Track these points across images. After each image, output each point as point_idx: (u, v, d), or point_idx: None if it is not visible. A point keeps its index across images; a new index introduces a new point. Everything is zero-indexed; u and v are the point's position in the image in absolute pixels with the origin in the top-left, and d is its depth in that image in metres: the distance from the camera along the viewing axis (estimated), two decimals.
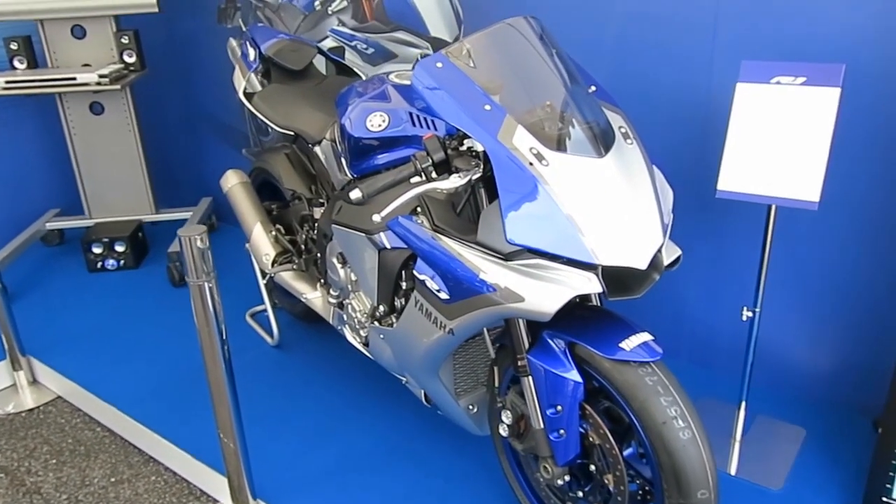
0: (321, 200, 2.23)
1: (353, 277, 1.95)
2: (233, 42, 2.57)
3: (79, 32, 3.17)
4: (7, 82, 2.91)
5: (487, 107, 1.39)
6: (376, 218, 1.45)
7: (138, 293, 3.10)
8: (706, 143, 2.14)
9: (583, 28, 2.25)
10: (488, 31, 1.47)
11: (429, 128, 1.64)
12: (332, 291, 2.09)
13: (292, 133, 2.24)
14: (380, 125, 1.71)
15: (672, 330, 2.42)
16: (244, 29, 3.24)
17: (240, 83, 2.44)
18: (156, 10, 3.05)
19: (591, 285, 1.32)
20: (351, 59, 2.87)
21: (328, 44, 2.93)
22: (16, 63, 3.13)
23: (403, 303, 1.75)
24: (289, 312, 2.80)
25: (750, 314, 1.91)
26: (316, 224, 2.23)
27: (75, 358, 2.61)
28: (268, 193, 2.61)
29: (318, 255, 2.17)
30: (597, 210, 1.32)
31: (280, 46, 2.38)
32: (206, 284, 1.60)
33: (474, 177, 1.41)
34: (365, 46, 2.82)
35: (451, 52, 1.44)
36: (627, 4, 2.14)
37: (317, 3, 2.90)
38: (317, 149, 2.14)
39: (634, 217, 1.35)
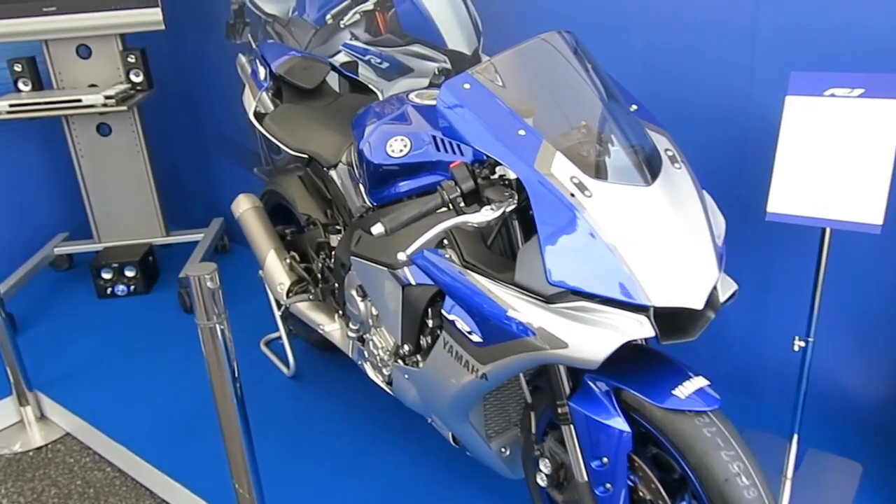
0: (338, 227, 2.11)
1: (375, 312, 1.82)
2: (242, 59, 2.45)
3: (84, 52, 3.08)
4: (12, 105, 2.82)
5: (522, 132, 1.26)
6: (401, 256, 1.32)
7: (149, 321, 2.99)
8: (748, 161, 2.00)
9: (611, 38, 2.12)
10: (520, 48, 1.34)
11: (454, 153, 1.51)
12: (351, 325, 1.97)
13: (306, 156, 2.12)
14: (401, 150, 1.58)
15: (712, 357, 2.28)
16: (253, 45, 3.14)
17: (250, 103, 2.32)
18: (162, 27, 2.95)
19: (642, 329, 1.19)
20: (365, 74, 2.76)
21: (341, 59, 2.81)
22: (20, 85, 3.04)
23: (430, 341, 1.62)
24: (305, 340, 2.68)
25: (802, 344, 1.77)
26: (332, 252, 2.11)
27: (84, 392, 2.50)
28: (280, 217, 2.49)
29: (336, 284, 2.05)
30: (647, 245, 1.19)
31: (292, 64, 2.26)
32: (217, 326, 1.48)
33: (508, 209, 1.28)
34: (379, 61, 2.70)
35: (479, 72, 1.32)
36: (659, 12, 2.01)
37: (328, 16, 2.79)
38: (332, 172, 2.02)
39: (687, 251, 1.22)
